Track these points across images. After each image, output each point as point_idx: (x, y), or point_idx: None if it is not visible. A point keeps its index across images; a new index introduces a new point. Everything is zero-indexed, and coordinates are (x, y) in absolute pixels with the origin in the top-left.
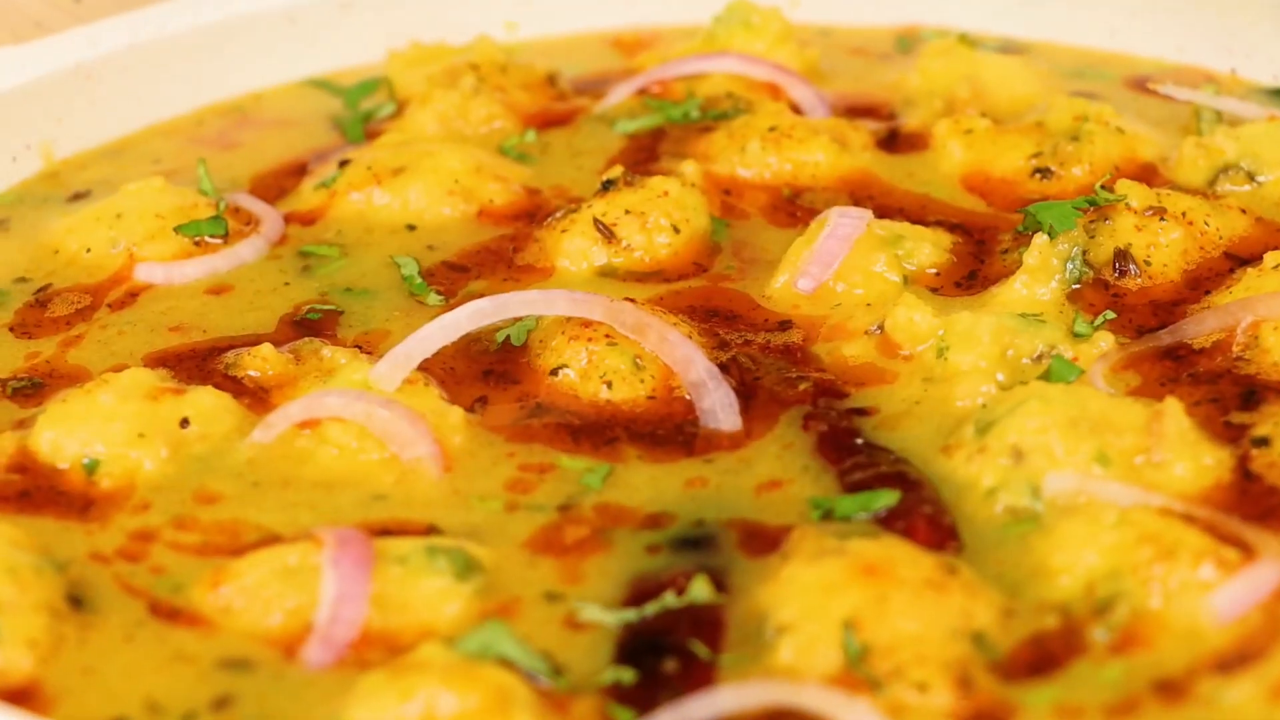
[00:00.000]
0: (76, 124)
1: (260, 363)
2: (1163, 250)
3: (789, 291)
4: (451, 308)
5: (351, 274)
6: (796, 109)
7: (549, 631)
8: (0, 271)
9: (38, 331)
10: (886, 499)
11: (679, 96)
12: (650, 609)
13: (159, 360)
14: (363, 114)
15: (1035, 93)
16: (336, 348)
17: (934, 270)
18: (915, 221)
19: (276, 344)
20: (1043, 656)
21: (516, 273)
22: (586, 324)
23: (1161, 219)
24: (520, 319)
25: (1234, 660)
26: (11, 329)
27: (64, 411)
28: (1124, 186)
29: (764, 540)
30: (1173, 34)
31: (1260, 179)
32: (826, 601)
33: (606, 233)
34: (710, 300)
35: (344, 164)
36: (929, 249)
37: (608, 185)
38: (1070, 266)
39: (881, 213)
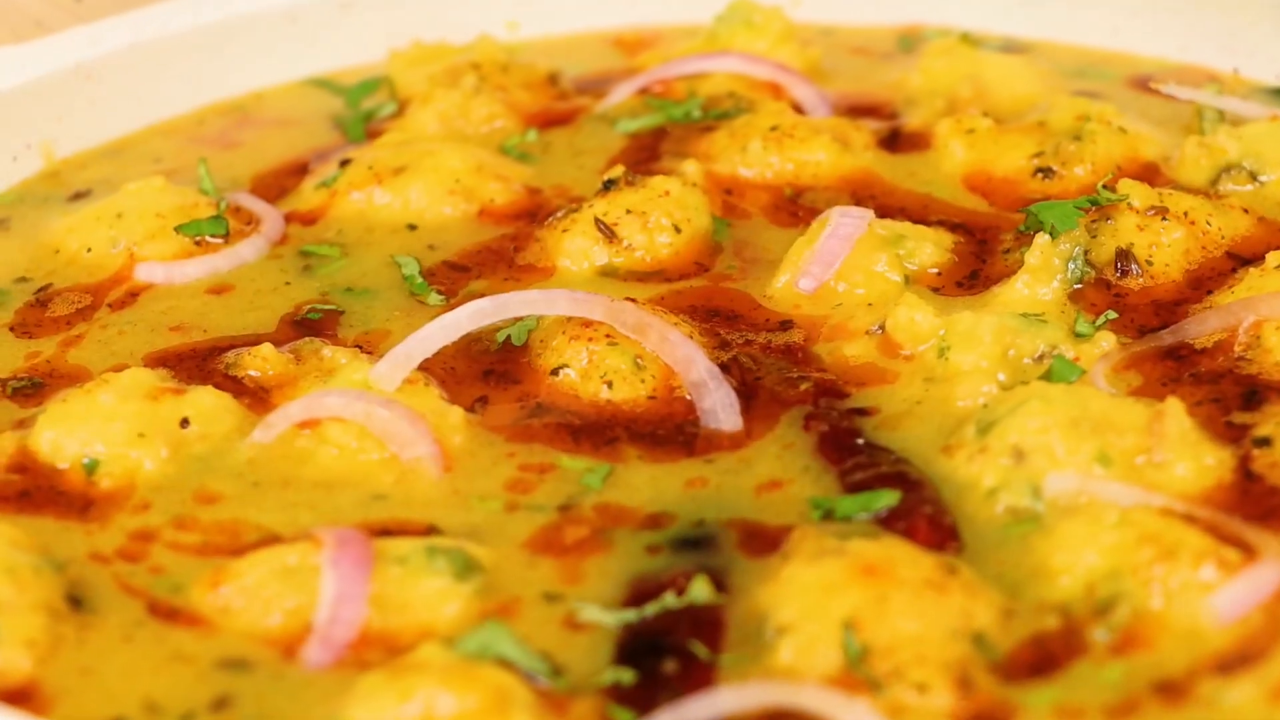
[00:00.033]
0: (77, 123)
1: (260, 362)
2: (1164, 250)
3: (790, 291)
4: (452, 307)
5: (352, 273)
6: (798, 108)
7: (548, 632)
8: (1, 271)
9: (38, 331)
10: (887, 499)
11: (680, 96)
12: (650, 609)
13: (159, 360)
14: (364, 113)
15: (1037, 92)
16: (337, 347)
17: (935, 270)
18: (917, 221)
19: (277, 344)
20: (1043, 657)
21: (517, 272)
22: (587, 324)
23: (1163, 219)
24: (521, 319)
25: (1235, 661)
26: (12, 329)
27: (64, 411)
28: (1126, 186)
29: (764, 540)
30: (1175, 33)
31: (1262, 179)
32: (826, 602)
33: (608, 232)
34: (711, 300)
35: (345, 163)
36: (930, 249)
37: (609, 185)
38: (1072, 266)
39: (883, 212)
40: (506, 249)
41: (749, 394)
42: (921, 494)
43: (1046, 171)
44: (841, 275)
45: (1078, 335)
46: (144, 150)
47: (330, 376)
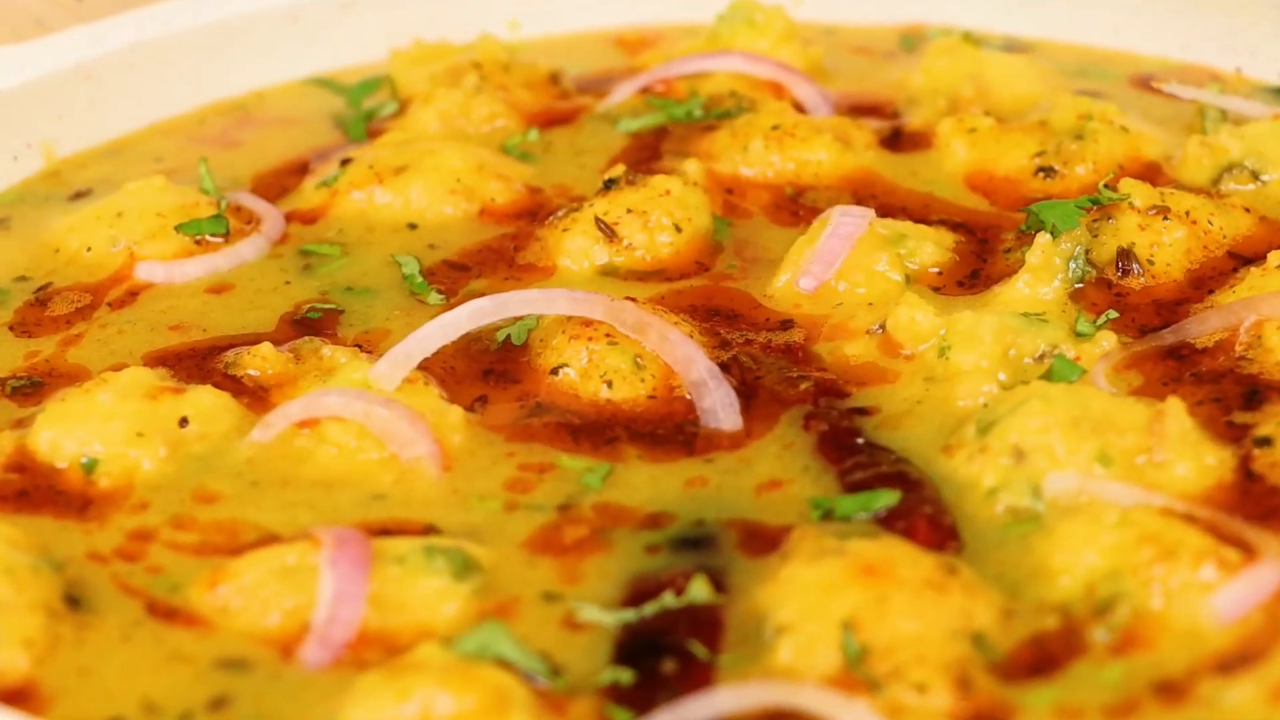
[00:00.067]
0: (78, 122)
1: (260, 362)
2: (1166, 249)
3: (791, 291)
4: (452, 307)
5: (352, 273)
6: (800, 108)
7: (547, 632)
8: (0, 270)
9: (37, 330)
10: (887, 499)
11: (682, 95)
12: (649, 609)
13: (159, 359)
14: (365, 112)
15: (1039, 91)
16: (336, 347)
17: (936, 269)
18: (918, 220)
19: (276, 343)
20: (1043, 657)
21: (518, 272)
22: (587, 323)
23: (1165, 218)
24: (521, 318)
25: (1235, 661)
26: (11, 328)
27: (63, 411)
28: (1127, 185)
29: (764, 540)
30: (1177, 32)
31: (1265, 178)
32: (826, 602)
33: (608, 232)
34: (712, 299)
35: (346, 163)
36: (931, 248)
37: (609, 184)
38: (1073, 266)
39: (884, 211)
40: (507, 248)
41: (749, 393)
42: (921, 494)
43: (1048, 171)
44: (842, 274)
45: (1078, 335)
46: (145, 149)
47: (330, 376)
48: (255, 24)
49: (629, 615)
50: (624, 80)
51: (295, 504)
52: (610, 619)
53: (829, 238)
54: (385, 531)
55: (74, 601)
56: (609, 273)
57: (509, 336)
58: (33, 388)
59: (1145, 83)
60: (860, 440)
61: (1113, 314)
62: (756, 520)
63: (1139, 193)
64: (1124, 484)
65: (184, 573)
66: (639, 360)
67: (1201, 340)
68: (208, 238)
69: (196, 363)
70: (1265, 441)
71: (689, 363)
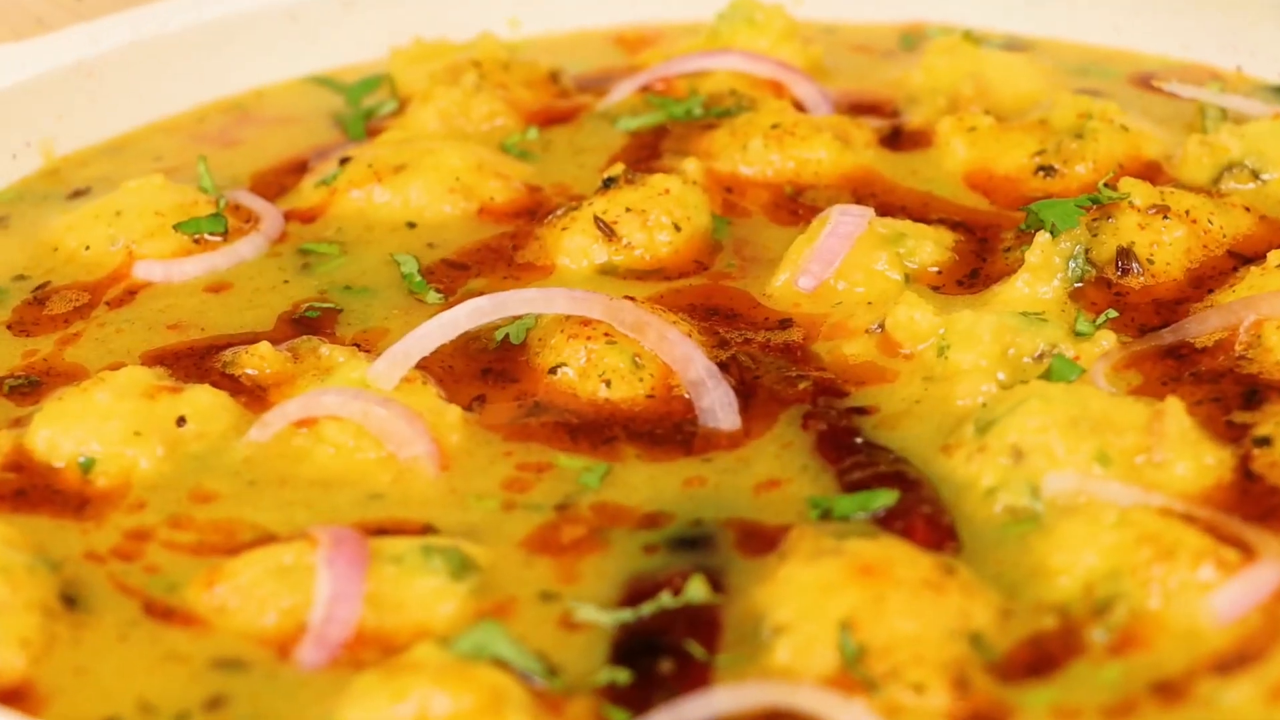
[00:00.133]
0: (77, 121)
1: (258, 361)
2: (1166, 248)
3: (790, 290)
4: (451, 306)
5: (351, 272)
6: (799, 106)
7: (544, 632)
8: None
9: (35, 329)
10: (885, 498)
11: (682, 94)
12: (646, 609)
13: (156, 358)
14: (364, 111)
15: (1039, 90)
16: (335, 346)
17: (936, 269)
18: (917, 219)
19: (275, 342)
20: (1041, 657)
21: (516, 270)
22: (586, 322)
23: (1165, 217)
24: (519, 317)
25: (1233, 661)
26: (9, 327)
27: (60, 410)
28: (1127, 184)
29: (762, 540)
30: (1178, 31)
31: (1265, 177)
32: (823, 602)
33: (607, 231)
34: (710, 298)
35: (345, 161)
36: (931, 247)
37: (608, 183)
38: (1072, 265)
39: (884, 210)
40: (506, 247)
41: (747, 393)
42: (920, 493)
43: (1048, 170)
44: (841, 274)
45: (1078, 334)
46: (144, 148)
47: (328, 375)
48: (255, 22)
49: (626, 615)
50: (624, 79)
51: (292, 503)
52: (607, 619)
53: (828, 237)
54: (382, 531)
55: (70, 601)
56: (608, 272)
57: (507, 335)
58: (30, 387)
59: (1146, 81)
60: (859, 440)
61: (1112, 313)
62: (754, 520)
63: (1139, 192)
64: (1123, 484)
65: (181, 572)
66: (637, 359)
67: (1201, 340)
68: (206, 236)
69: (194, 362)
70: (1264, 441)
71: (687, 362)
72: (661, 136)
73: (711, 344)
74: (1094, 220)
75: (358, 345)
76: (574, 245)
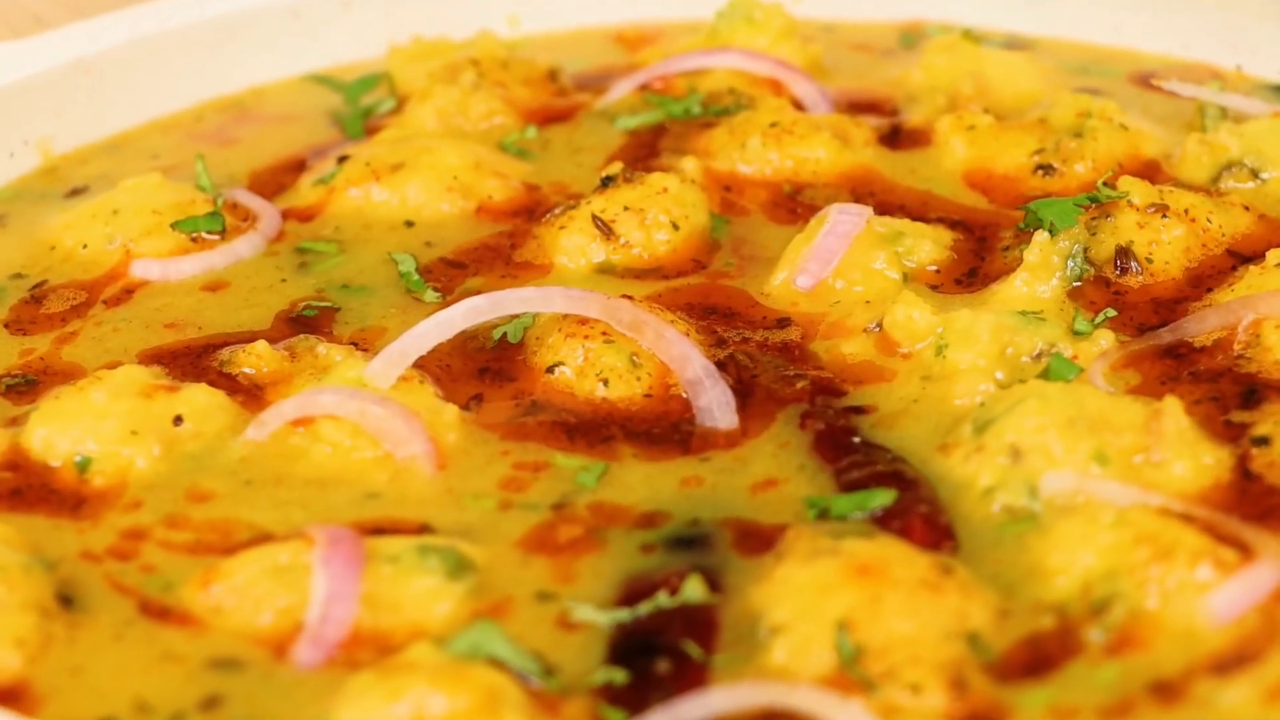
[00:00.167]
0: (75, 119)
1: (255, 360)
2: (1165, 247)
3: (788, 289)
4: (448, 304)
5: (349, 270)
6: (798, 105)
7: (541, 631)
8: None
9: (33, 328)
10: (883, 498)
11: (681, 92)
12: (643, 609)
13: (154, 357)
14: (363, 109)
15: (1039, 89)
16: (332, 345)
17: (934, 267)
18: (916, 218)
19: (272, 341)
20: (1038, 657)
21: (514, 269)
22: (583, 321)
23: (1164, 216)
24: (517, 316)
25: (1231, 662)
26: (6, 325)
27: (57, 409)
28: (1126, 183)
29: (759, 540)
30: (1178, 30)
31: (1264, 176)
32: (820, 602)
33: (605, 229)
34: (709, 297)
35: (343, 160)
36: (929, 246)
37: (607, 182)
38: (1071, 264)
39: (883, 209)
40: (504, 246)
41: (745, 392)
42: (917, 493)
43: (1047, 168)
44: (840, 273)
45: (1076, 333)
46: (142, 146)
47: (325, 374)
48: (255, 20)
49: (623, 615)
50: (622, 77)
51: (289, 503)
52: (604, 619)
53: (826, 235)
54: (379, 530)
55: (67, 600)
56: (606, 270)
57: (505, 334)
58: (27, 385)
59: (1145, 80)
60: (856, 439)
61: (1111, 312)
62: (752, 519)
63: (1138, 191)
64: (1121, 483)
65: (177, 572)
66: (635, 359)
67: (1200, 339)
68: (204, 235)
69: (191, 361)
70: (1263, 441)
71: (685, 361)
72: (660, 135)
73: (709, 343)
74: (1093, 219)
75: (355, 344)
76: (572, 244)
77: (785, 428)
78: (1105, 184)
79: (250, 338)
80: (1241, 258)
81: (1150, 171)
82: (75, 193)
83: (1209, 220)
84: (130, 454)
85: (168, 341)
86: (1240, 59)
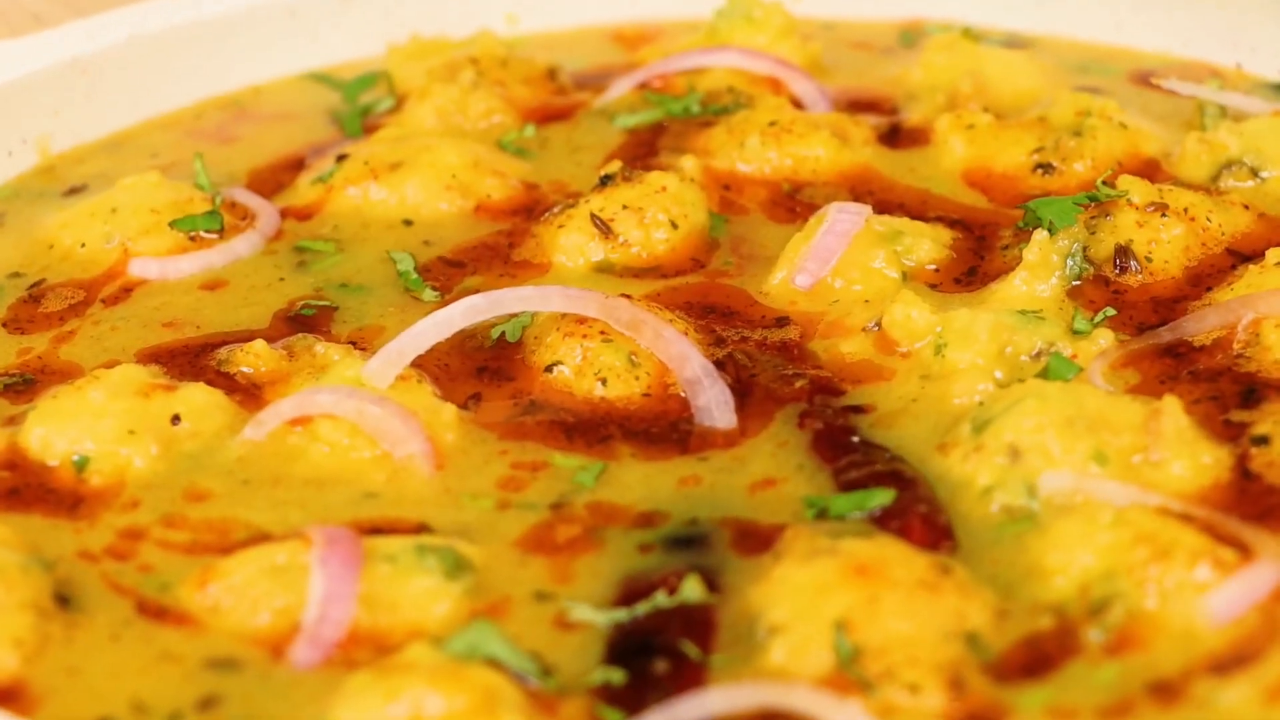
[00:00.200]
0: (74, 118)
1: (253, 359)
2: (1164, 246)
3: (786, 288)
4: (447, 304)
5: (347, 269)
6: (798, 104)
7: (538, 631)
8: None
9: (30, 327)
10: (881, 498)
11: (680, 91)
12: (641, 609)
13: (151, 356)
14: (361, 108)
15: (1039, 87)
16: (330, 344)
17: (933, 266)
18: (915, 217)
19: (270, 340)
20: (1036, 658)
21: (513, 268)
22: (582, 320)
23: (1163, 215)
24: (515, 315)
25: (1230, 662)
26: (4, 324)
27: (54, 408)
28: (1126, 182)
29: (757, 539)
30: (1178, 28)
31: (1264, 175)
32: (818, 602)
33: (604, 228)
34: (707, 296)
35: (341, 159)
36: (928, 245)
37: (605, 180)
38: (1070, 263)
39: (882, 208)
40: (502, 245)
41: (744, 391)
42: (916, 493)
43: (1046, 167)
44: (838, 271)
45: (1076, 332)
46: (141, 145)
47: (323, 373)
48: (253, 19)
49: (621, 615)
50: (622, 76)
51: (287, 502)
52: (602, 618)
53: (825, 234)
54: (377, 530)
55: (64, 600)
56: (604, 269)
57: (503, 334)
58: (25, 385)
59: (1145, 79)
60: (855, 438)
61: (1110, 311)
62: (750, 519)
63: (1137, 189)
64: (1120, 483)
65: (174, 571)
66: (634, 358)
67: (1199, 338)
68: (202, 234)
69: (189, 360)
70: (1262, 440)
71: (683, 360)
72: (659, 134)
73: (708, 342)
74: (1092, 218)
75: (353, 343)
76: (570, 243)
77: (784, 427)
78: (1105, 183)
79: (248, 337)
80: (1241, 256)
81: (1150, 170)
82: (73, 191)
83: (1208, 219)
84: (128, 453)
85: (166, 340)
86: (1240, 57)
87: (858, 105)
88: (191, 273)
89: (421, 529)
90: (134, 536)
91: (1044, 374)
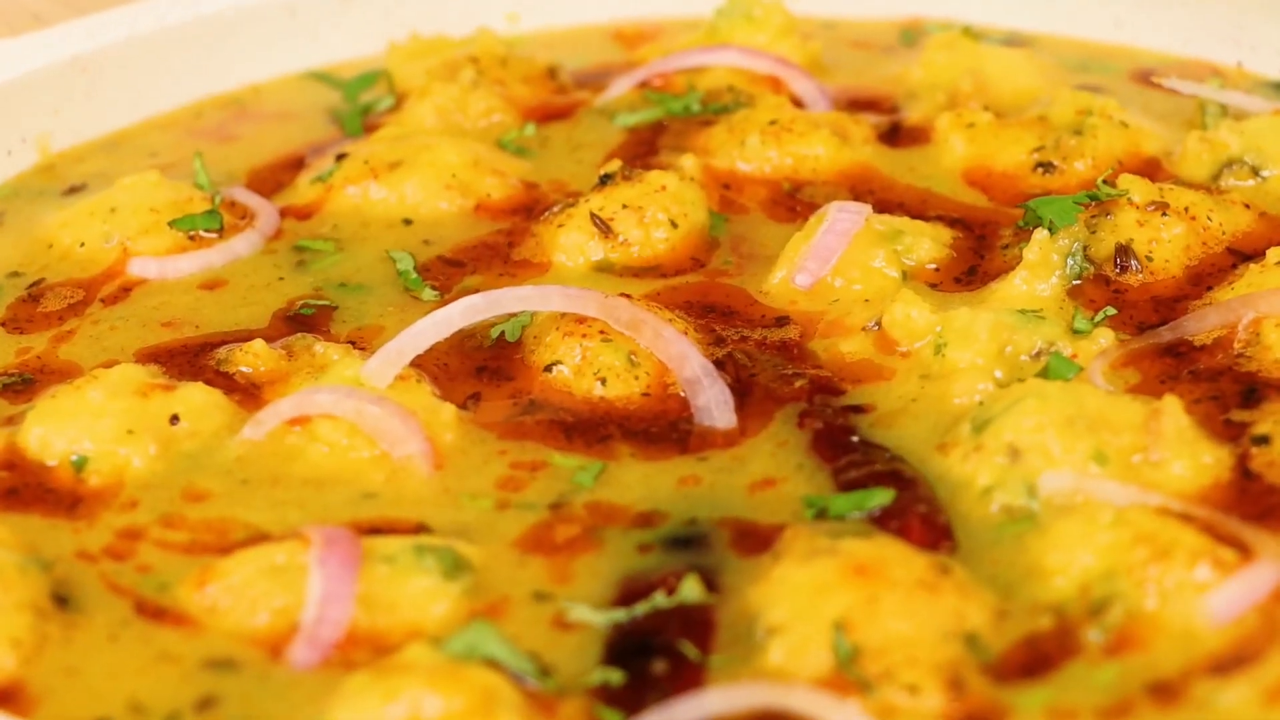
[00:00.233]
0: (73, 117)
1: (252, 359)
2: (1165, 245)
3: (786, 287)
4: (446, 303)
5: (346, 269)
6: (798, 102)
7: (537, 632)
8: None
9: (29, 326)
10: (881, 498)
11: (680, 90)
12: (640, 609)
13: (151, 356)
14: (361, 107)
15: (1039, 86)
16: (329, 343)
17: (933, 266)
18: (915, 216)
19: (269, 339)
20: (1036, 658)
21: (513, 268)
22: (581, 320)
23: (1164, 214)
24: (515, 314)
25: (1230, 662)
26: (3, 324)
27: (53, 408)
28: (1126, 181)
29: (757, 539)
30: (1179, 27)
31: (1265, 174)
32: (817, 602)
33: (603, 227)
34: (707, 296)
35: (341, 158)
36: (928, 244)
37: (605, 179)
38: (1071, 262)
39: (882, 207)
40: (502, 244)
41: (743, 391)
42: (916, 492)
43: (1047, 166)
44: (838, 271)
45: (1076, 332)
46: (140, 144)
47: (322, 373)
48: (253, 17)
49: (620, 615)
50: (622, 75)
51: (285, 502)
52: (601, 619)
53: (825, 234)
54: (376, 530)
55: (62, 601)
56: (604, 269)
57: (503, 333)
58: (24, 384)
59: (1146, 77)
60: (855, 438)
61: (1110, 311)
62: (749, 519)
63: (1138, 188)
64: (1120, 483)
65: (173, 572)
66: (633, 357)
67: (1200, 337)
68: (201, 233)
69: (188, 359)
70: (1263, 440)
71: (683, 360)
72: (659, 133)
73: (707, 341)
74: (1093, 217)
75: (352, 343)
76: (570, 242)
77: (783, 427)
78: (1105, 182)
79: (247, 336)
80: (1242, 256)
81: (1150, 169)
82: (73, 190)
83: (1209, 218)
84: (127, 453)
85: (165, 340)
86: (1241, 56)
87: (858, 104)
88: (191, 272)
89: (420, 529)
90: (132, 536)
91: (1044, 373)
